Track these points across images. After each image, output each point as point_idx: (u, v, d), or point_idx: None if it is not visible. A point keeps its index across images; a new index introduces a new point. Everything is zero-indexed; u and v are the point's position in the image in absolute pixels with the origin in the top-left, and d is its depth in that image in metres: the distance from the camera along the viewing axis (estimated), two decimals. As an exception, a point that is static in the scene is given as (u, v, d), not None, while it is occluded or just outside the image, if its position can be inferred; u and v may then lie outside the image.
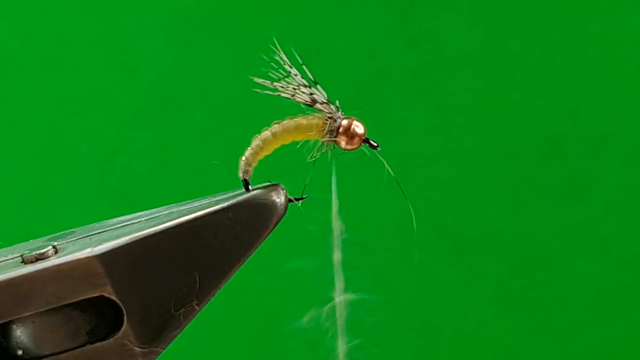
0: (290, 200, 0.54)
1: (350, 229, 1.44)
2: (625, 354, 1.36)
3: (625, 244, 1.37)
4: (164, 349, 0.52)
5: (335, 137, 0.56)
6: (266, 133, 0.54)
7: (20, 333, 0.52)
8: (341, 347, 0.56)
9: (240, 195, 0.54)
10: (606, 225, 1.38)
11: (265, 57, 0.54)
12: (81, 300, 0.51)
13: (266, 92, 0.54)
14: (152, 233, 0.52)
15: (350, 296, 0.57)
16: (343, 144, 0.56)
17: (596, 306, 1.36)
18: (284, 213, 0.53)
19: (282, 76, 0.55)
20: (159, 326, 0.51)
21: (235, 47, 1.32)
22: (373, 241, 1.39)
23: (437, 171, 1.40)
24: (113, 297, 0.51)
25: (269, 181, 0.54)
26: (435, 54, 1.42)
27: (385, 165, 0.56)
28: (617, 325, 1.36)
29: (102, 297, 0.52)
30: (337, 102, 0.56)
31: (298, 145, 0.55)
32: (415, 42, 1.42)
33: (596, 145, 1.39)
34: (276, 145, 0.55)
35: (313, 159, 0.56)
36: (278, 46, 0.53)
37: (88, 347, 0.52)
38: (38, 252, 0.52)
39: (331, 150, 0.56)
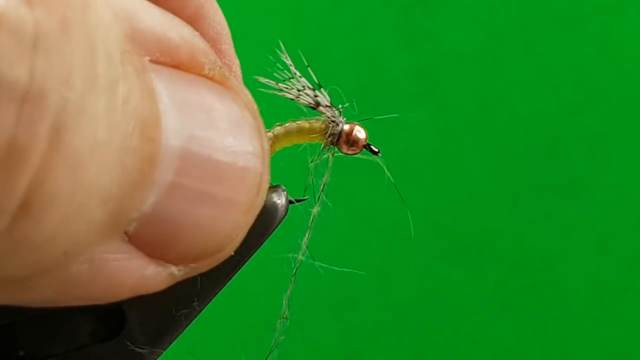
0: (291, 202, 0.54)
1: (350, 228, 1.44)
2: (625, 354, 1.36)
3: (625, 244, 1.37)
4: (165, 350, 0.52)
5: (337, 141, 0.56)
6: (268, 134, 0.54)
7: (22, 334, 0.52)
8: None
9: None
10: (606, 225, 1.38)
11: (271, 58, 0.54)
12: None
13: (271, 92, 0.55)
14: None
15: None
16: (344, 148, 0.57)
17: (596, 306, 1.36)
18: (285, 214, 0.53)
19: (287, 77, 0.55)
20: (160, 327, 0.51)
21: (234, 47, 1.32)
22: (373, 241, 1.39)
23: (437, 171, 1.40)
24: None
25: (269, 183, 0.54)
26: (435, 54, 1.42)
27: (386, 171, 0.56)
28: (617, 325, 1.36)
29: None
30: (340, 106, 0.56)
31: (300, 149, 0.55)
32: (415, 42, 1.42)
33: (596, 145, 1.39)
34: (278, 147, 0.55)
35: (314, 163, 0.56)
36: (283, 48, 0.53)
37: (89, 348, 0.52)
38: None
39: (332, 154, 0.56)
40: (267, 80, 0.54)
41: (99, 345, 0.52)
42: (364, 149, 0.58)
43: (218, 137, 0.44)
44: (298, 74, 0.55)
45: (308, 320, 1.38)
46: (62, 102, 0.35)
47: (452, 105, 1.41)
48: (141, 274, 0.43)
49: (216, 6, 0.49)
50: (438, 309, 1.38)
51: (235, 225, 0.46)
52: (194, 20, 0.47)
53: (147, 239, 0.43)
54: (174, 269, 0.45)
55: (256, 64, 0.54)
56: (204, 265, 0.47)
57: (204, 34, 0.47)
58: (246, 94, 0.47)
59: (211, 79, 0.46)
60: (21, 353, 0.52)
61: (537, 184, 1.39)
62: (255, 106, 0.48)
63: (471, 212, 1.40)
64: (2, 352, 0.51)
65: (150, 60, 0.42)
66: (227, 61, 0.50)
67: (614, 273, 1.37)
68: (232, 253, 0.47)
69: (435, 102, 1.41)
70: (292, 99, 0.55)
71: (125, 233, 0.42)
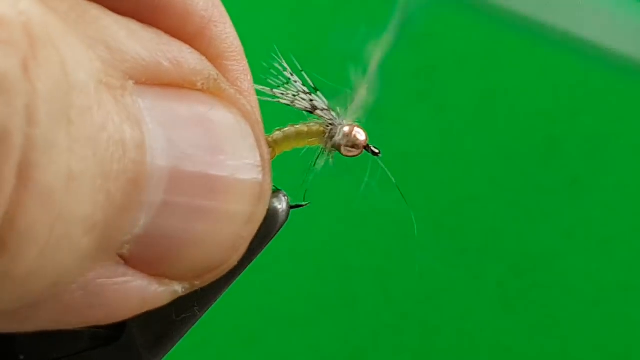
0: (292, 207, 0.54)
1: (350, 228, 1.44)
2: (625, 354, 1.36)
3: (625, 244, 1.37)
4: (165, 354, 0.52)
5: (337, 144, 0.56)
6: (267, 140, 0.54)
7: (21, 337, 0.52)
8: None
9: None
10: (606, 225, 1.38)
11: (264, 64, 0.54)
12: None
13: (266, 98, 0.55)
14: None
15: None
16: (344, 150, 0.57)
17: (596, 306, 1.36)
18: (286, 220, 0.53)
19: (281, 83, 0.55)
20: (160, 332, 0.51)
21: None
22: (373, 241, 1.39)
23: (437, 171, 1.40)
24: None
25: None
26: (435, 54, 1.42)
27: (387, 172, 0.56)
28: (617, 325, 1.36)
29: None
30: (337, 109, 0.56)
31: (302, 153, 0.55)
32: (415, 42, 1.42)
33: (596, 145, 1.39)
34: (278, 152, 0.55)
35: (314, 166, 0.56)
36: (279, 53, 0.54)
37: (90, 352, 0.52)
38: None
39: (332, 157, 0.56)
40: (262, 87, 0.54)
41: (99, 350, 0.52)
42: (364, 151, 0.58)
43: (211, 152, 0.44)
44: (293, 78, 0.55)
45: (308, 320, 1.38)
46: (27, 140, 0.36)
47: (452, 105, 1.41)
48: (143, 294, 0.43)
49: (224, 25, 0.49)
50: (438, 309, 1.38)
51: (237, 237, 0.46)
52: (194, 39, 0.47)
53: (145, 259, 0.43)
54: (177, 286, 0.45)
55: (255, 64, 0.54)
56: (209, 278, 0.47)
57: (204, 51, 0.47)
58: (243, 104, 0.47)
59: (205, 92, 0.45)
60: (21, 357, 0.52)
61: (537, 184, 1.39)
62: (254, 115, 0.47)
63: (471, 212, 1.40)
64: (2, 356, 0.51)
65: (136, 83, 0.42)
66: (230, 76, 0.50)
67: (614, 273, 1.37)
68: (236, 263, 0.48)
69: (435, 102, 1.41)
70: (288, 105, 0.55)
71: (121, 256, 0.42)
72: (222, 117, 0.45)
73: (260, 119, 0.50)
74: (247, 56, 0.50)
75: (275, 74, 0.55)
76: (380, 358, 1.38)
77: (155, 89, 0.43)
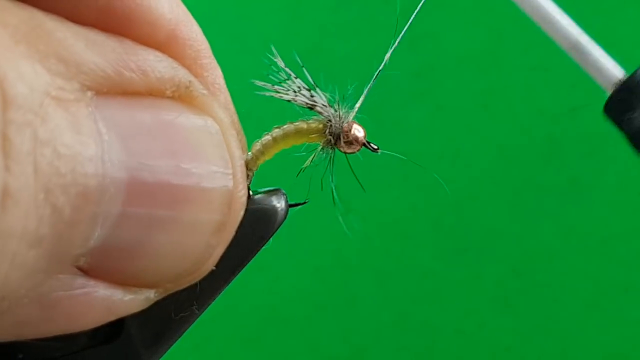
0: (291, 206, 0.54)
1: (351, 227, 1.44)
2: (625, 354, 1.36)
3: (625, 244, 1.37)
4: (164, 353, 0.52)
5: (336, 141, 0.56)
6: (267, 137, 0.54)
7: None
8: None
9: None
10: (606, 225, 1.38)
11: (266, 61, 0.54)
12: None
13: (267, 94, 0.55)
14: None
15: None
16: (343, 147, 0.57)
17: (596, 306, 1.36)
18: (285, 218, 0.53)
19: (282, 79, 0.55)
20: (159, 331, 0.51)
21: (235, 47, 1.32)
22: (373, 241, 1.39)
23: (437, 171, 1.40)
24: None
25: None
26: (435, 54, 1.42)
27: (396, 155, 0.57)
28: (617, 325, 1.36)
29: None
30: (336, 106, 0.56)
31: (302, 151, 0.55)
32: (415, 42, 1.42)
33: (596, 145, 1.39)
34: (277, 149, 0.55)
35: (313, 163, 0.56)
36: (275, 52, 0.54)
37: (88, 351, 0.52)
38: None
39: (331, 154, 0.56)
40: (263, 83, 0.54)
41: (97, 348, 0.52)
42: (363, 147, 0.58)
43: (175, 161, 0.43)
44: (294, 75, 0.55)
45: (308, 320, 1.38)
46: None
47: (452, 105, 1.41)
48: (107, 303, 0.43)
49: (191, 23, 0.48)
50: (438, 309, 1.38)
51: (206, 245, 0.45)
52: (166, 44, 0.46)
53: (107, 270, 0.42)
54: (148, 293, 0.44)
55: (255, 64, 0.54)
56: (183, 284, 0.46)
57: (180, 55, 0.46)
58: (216, 110, 0.46)
59: (175, 99, 0.45)
60: (20, 356, 0.52)
61: (537, 184, 1.39)
62: (227, 121, 0.47)
63: (471, 212, 1.40)
64: (0, 355, 0.51)
65: (97, 94, 0.41)
66: (208, 74, 0.49)
67: (614, 273, 1.37)
68: (214, 267, 0.47)
69: (435, 102, 1.41)
70: (289, 101, 0.55)
71: (80, 267, 0.41)
72: (189, 124, 0.44)
73: (235, 123, 0.50)
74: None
75: (276, 70, 0.55)
76: (380, 358, 1.38)
77: (118, 99, 0.42)
